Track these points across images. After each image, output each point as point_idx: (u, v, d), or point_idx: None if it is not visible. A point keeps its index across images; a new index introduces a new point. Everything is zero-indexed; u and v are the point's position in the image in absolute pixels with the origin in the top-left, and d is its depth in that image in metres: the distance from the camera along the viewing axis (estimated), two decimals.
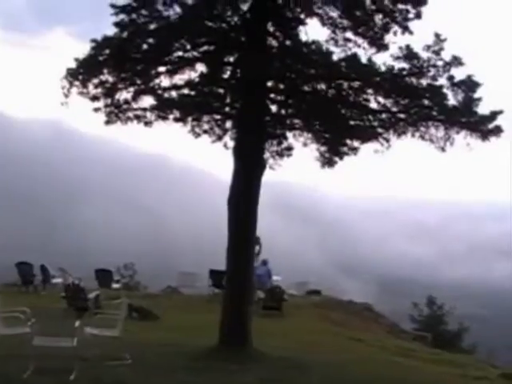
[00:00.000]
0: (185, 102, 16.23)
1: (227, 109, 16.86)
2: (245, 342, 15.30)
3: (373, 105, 15.70)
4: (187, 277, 28.76)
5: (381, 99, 15.56)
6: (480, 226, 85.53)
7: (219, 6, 15.32)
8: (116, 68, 15.55)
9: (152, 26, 15.30)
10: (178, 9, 15.16)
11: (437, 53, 14.73)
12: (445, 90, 15.02)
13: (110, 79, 15.66)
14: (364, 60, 15.20)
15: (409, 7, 14.65)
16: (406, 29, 14.85)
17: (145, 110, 16.34)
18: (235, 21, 15.62)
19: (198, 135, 16.96)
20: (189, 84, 16.15)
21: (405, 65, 15.00)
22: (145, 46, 15.52)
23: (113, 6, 14.89)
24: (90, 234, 60.68)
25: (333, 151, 16.75)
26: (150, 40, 15.47)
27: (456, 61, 14.78)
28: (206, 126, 16.90)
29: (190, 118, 16.70)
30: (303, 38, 15.44)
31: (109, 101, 15.99)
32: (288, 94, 16.55)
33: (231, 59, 16.19)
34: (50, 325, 12.90)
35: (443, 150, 15.71)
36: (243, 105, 16.04)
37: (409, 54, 14.87)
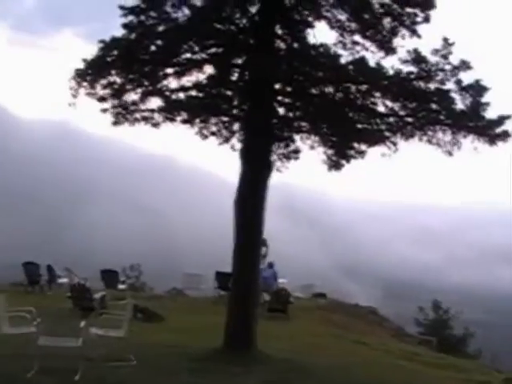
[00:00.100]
0: (192, 103, 16.25)
1: (235, 111, 16.87)
2: (250, 344, 15.29)
3: (380, 108, 15.69)
4: (192, 278, 28.73)
5: (388, 103, 15.55)
6: (487, 231, 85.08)
7: (228, 8, 15.36)
8: (124, 69, 15.59)
9: (160, 28, 15.35)
10: (186, 11, 15.25)
11: (445, 57, 14.72)
12: (453, 94, 15.00)
13: (118, 80, 15.70)
14: (372, 63, 15.21)
15: (417, 11, 14.66)
16: (414, 32, 14.85)
17: (152, 111, 16.37)
18: (243, 23, 15.66)
19: (205, 137, 16.98)
20: (197, 86, 16.18)
21: (413, 68, 15.00)
22: (153, 48, 15.56)
23: (122, 7, 14.96)
24: (96, 235, 60.69)
25: (340, 154, 16.72)
26: (159, 42, 15.52)
27: (464, 65, 14.76)
28: (213, 128, 16.92)
29: (197, 120, 16.73)
30: (311, 40, 15.51)
31: (116, 102, 16.04)
32: (295, 97, 16.54)
33: (239, 61, 16.21)
34: (55, 325, 12.95)
35: (450, 154, 15.68)
36: (251, 107, 16.06)
37: (417, 58, 14.86)
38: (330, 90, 16.00)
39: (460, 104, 15.01)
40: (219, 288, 26.31)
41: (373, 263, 71.11)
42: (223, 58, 16.17)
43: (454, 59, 14.70)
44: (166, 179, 72.64)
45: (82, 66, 15.35)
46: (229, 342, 15.22)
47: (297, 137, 16.81)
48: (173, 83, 16.16)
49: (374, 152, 16.41)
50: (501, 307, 52.87)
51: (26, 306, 14.07)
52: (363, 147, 16.45)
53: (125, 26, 15.04)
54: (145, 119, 16.41)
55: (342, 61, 15.38)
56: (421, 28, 14.78)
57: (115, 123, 16.35)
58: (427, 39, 14.97)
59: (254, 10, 15.47)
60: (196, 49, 15.73)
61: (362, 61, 15.22)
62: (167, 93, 16.22)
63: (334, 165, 16.85)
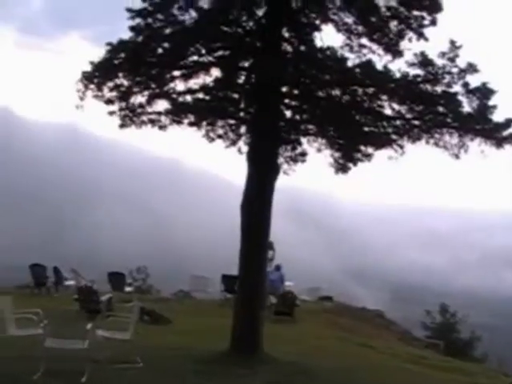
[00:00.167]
0: (199, 106, 16.24)
1: (242, 114, 16.86)
2: (256, 347, 15.28)
3: (387, 111, 15.66)
4: (199, 280, 28.73)
5: (395, 106, 15.52)
6: (493, 234, 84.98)
7: (235, 11, 15.36)
8: (131, 72, 15.61)
9: (167, 31, 15.35)
10: (193, 13, 15.24)
11: (452, 60, 14.69)
12: (459, 97, 14.96)
13: (125, 83, 15.72)
14: (379, 66, 15.19)
15: (424, 14, 14.63)
16: (421, 35, 14.82)
17: (159, 114, 16.37)
18: (250, 26, 15.65)
19: (212, 140, 16.96)
20: (203, 88, 16.17)
21: (420, 71, 14.97)
22: (160, 50, 15.57)
23: (129, 10, 14.99)
24: (103, 237, 60.87)
25: (347, 157, 16.69)
26: (166, 44, 15.53)
27: (471, 68, 14.73)
28: (220, 131, 16.90)
29: (204, 123, 16.72)
30: (318, 43, 15.49)
31: (123, 104, 16.05)
32: (302, 100, 16.52)
33: (246, 64, 16.19)
34: (61, 327, 12.94)
35: (457, 157, 15.64)
36: (257, 110, 16.05)
37: (424, 61, 14.83)
38: (336, 92, 15.98)
39: (467, 107, 14.98)
40: (225, 291, 26.31)
41: (380, 266, 71.12)
42: (230, 60, 16.17)
43: (461, 62, 14.69)
44: (173, 182, 72.86)
45: (89, 68, 15.38)
46: (235, 345, 15.21)
47: (304, 140, 16.79)
48: (180, 86, 16.17)
49: (381, 155, 16.41)
50: (505, 310, 52.78)
51: (32, 308, 14.11)
52: (370, 150, 16.42)
53: (132, 28, 15.07)
54: (152, 122, 16.42)
55: (349, 64, 15.37)
56: (428, 31, 14.76)
57: (122, 126, 16.37)
58: (434, 42, 14.97)
59: (260, 12, 15.46)
60: (203, 51, 15.74)
61: (368, 64, 15.21)
62: (174, 95, 16.22)
63: (341, 168, 16.83)
